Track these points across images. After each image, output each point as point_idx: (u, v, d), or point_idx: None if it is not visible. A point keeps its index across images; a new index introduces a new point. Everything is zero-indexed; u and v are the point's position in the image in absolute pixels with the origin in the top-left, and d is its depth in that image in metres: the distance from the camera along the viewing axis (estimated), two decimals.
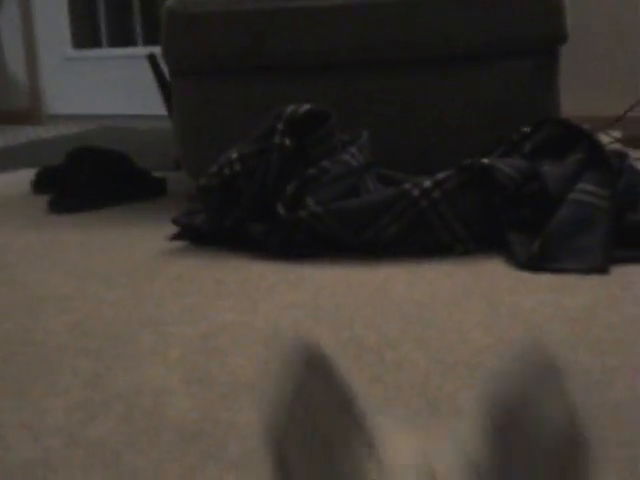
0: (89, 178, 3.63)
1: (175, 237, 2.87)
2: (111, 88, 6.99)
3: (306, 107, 2.78)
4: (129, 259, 2.75)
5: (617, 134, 4.53)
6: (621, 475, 1.33)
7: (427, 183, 2.59)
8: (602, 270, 2.38)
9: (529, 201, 2.61)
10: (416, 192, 2.58)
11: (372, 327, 2.05)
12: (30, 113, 7.15)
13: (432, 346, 1.91)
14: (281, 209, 2.64)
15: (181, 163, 3.64)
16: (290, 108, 2.79)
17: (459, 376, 1.76)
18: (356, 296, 2.29)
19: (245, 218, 2.73)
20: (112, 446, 1.59)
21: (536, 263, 2.43)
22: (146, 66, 6.65)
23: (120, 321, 2.17)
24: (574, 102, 5.09)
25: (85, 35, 7.25)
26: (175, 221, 2.88)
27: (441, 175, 2.61)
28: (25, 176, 4.26)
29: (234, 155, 2.76)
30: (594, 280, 2.33)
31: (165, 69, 4.71)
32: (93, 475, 1.50)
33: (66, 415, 1.72)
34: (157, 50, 6.42)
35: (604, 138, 4.31)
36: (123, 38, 7.13)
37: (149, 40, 7.04)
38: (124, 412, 1.70)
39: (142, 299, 2.34)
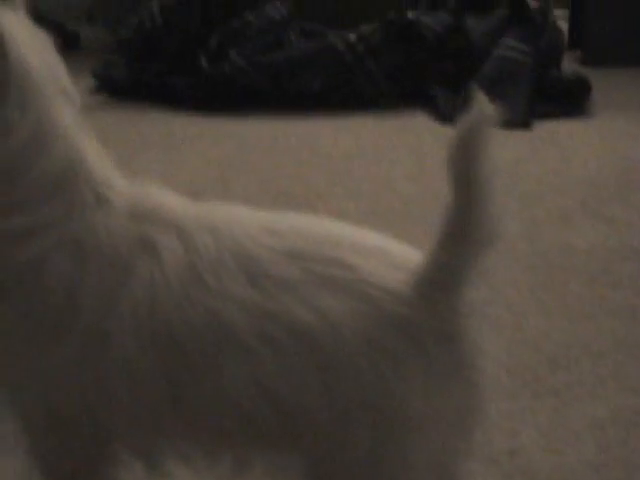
0: None
1: (95, 90, 2.79)
2: None
3: None
4: None
5: None
6: None
7: (352, 37, 2.57)
8: (525, 124, 2.41)
9: (454, 56, 2.60)
10: (341, 46, 2.55)
11: (300, 180, 2.04)
12: None
13: (362, 197, 1.92)
14: (204, 62, 2.59)
15: (95, 15, 3.53)
16: None
17: (390, 225, 1.78)
18: (281, 149, 2.28)
19: (166, 72, 2.67)
20: None
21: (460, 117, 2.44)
22: None
23: None
24: None
25: None
26: (94, 74, 2.80)
27: (366, 29, 2.59)
28: None
29: (155, 7, 2.69)
30: (518, 134, 2.36)
31: None
32: None
33: None
34: None
35: None
36: None
37: None
38: None
39: None
